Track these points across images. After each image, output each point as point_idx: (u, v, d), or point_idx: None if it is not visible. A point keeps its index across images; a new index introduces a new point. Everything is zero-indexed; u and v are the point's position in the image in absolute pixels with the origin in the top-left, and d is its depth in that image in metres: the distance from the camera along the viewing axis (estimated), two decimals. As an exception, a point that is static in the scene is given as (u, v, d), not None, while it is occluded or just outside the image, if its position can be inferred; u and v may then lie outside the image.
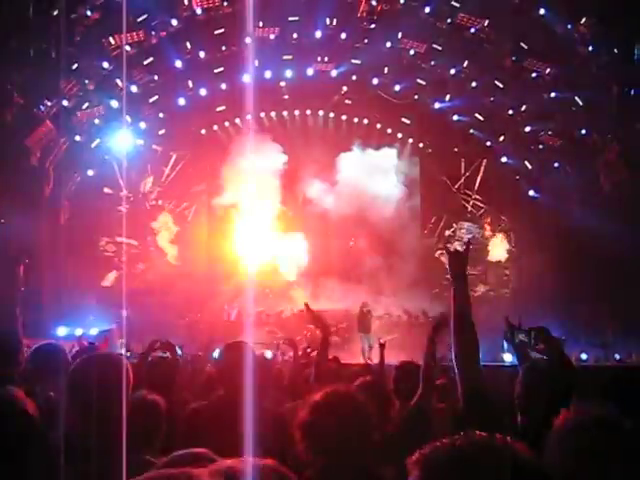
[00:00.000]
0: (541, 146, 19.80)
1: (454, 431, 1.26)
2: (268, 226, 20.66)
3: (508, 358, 12.53)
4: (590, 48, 16.55)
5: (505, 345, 11.35)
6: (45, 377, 3.49)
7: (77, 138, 18.49)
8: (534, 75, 18.04)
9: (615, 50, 16.15)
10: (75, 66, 17.15)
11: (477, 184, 21.44)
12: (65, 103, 17.56)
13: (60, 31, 16.12)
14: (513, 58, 17.94)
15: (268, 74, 19.12)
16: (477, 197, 21.53)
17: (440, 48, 18.16)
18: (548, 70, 17.61)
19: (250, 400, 2.88)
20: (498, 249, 21.24)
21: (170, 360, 4.94)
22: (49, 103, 17.40)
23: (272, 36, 18.12)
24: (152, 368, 4.60)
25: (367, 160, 20.93)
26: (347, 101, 20.67)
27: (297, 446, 2.37)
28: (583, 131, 18.29)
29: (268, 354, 12.41)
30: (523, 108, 19.02)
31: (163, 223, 21.11)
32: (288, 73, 19.38)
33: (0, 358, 3.89)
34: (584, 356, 14.83)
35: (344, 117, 21.17)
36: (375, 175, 20.76)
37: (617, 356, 14.70)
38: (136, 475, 1.92)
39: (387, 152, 21.32)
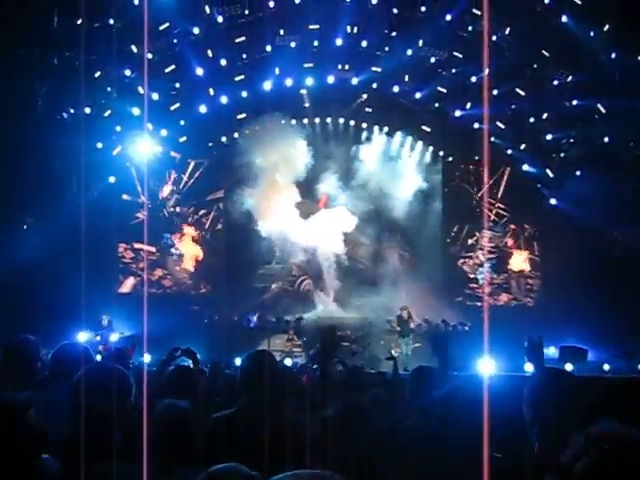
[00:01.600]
0: (562, 154, 19.67)
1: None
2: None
3: (530, 368, 12.36)
4: (613, 55, 16.43)
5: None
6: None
7: (99, 145, 18.66)
8: (556, 83, 17.95)
9: (638, 57, 16.00)
10: (98, 74, 17.34)
11: (500, 192, 21.32)
12: (87, 110, 17.74)
13: (83, 40, 16.35)
14: (534, 66, 17.87)
15: (289, 82, 19.18)
16: (500, 205, 21.39)
17: (461, 56, 18.12)
18: (570, 78, 17.51)
19: (272, 409, 2.89)
20: (521, 258, 21.09)
21: (192, 368, 4.93)
22: (72, 111, 17.61)
23: (293, 44, 18.18)
24: (175, 376, 4.59)
25: (388, 167, 20.88)
26: (367, 109, 20.63)
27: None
28: (606, 139, 18.15)
29: (288, 362, 12.41)
30: (544, 116, 18.92)
31: (187, 232, 21.23)
32: (309, 81, 19.40)
33: (16, 368, 3.88)
34: (606, 367, 14.66)
35: (364, 125, 21.10)
36: (396, 182, 20.71)
37: (640, 366, 14.49)
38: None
39: (408, 160, 21.26)
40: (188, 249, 21.20)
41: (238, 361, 6.21)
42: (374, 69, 18.93)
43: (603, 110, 17.54)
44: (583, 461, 1.80)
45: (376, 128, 21.03)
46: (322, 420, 2.31)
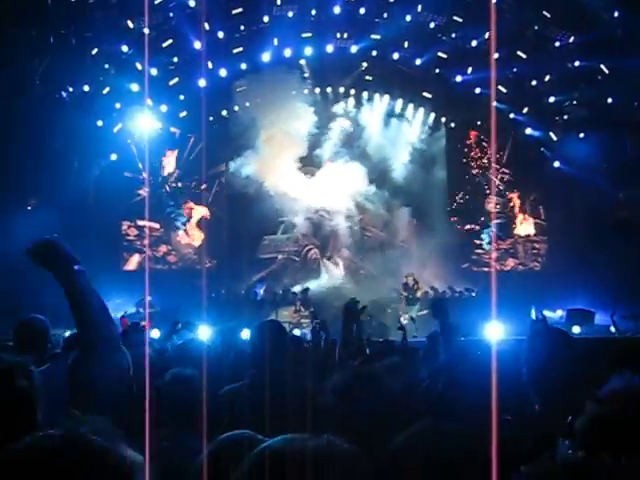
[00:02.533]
0: (566, 116, 19.50)
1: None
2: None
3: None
4: (615, 13, 16.19)
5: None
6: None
7: (99, 123, 18.58)
8: (557, 44, 17.74)
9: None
10: (95, 51, 17.20)
11: (505, 157, 21.19)
12: (86, 88, 17.64)
13: (78, 16, 16.23)
14: (535, 27, 17.65)
15: (288, 52, 19.02)
16: (505, 170, 21.26)
17: (461, 20, 17.90)
18: (572, 38, 17.30)
19: (284, 380, 2.89)
20: (527, 223, 21.02)
21: (197, 340, 4.95)
22: (70, 89, 17.50)
23: (290, 14, 17.99)
24: (179, 349, 4.60)
25: (390, 134, 20.81)
26: (368, 77, 20.43)
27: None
28: (609, 100, 17.97)
29: (297, 332, 12.44)
30: (547, 78, 18.72)
31: (192, 208, 21.23)
32: (308, 51, 19.22)
33: (28, 346, 3.91)
34: (613, 329, 14.65)
35: (365, 93, 20.92)
36: (399, 149, 20.64)
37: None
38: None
39: (410, 127, 21.14)
40: (196, 225, 21.21)
41: (246, 333, 6.27)
42: (373, 37, 18.74)
43: (606, 70, 17.32)
44: (595, 421, 1.78)
45: (377, 96, 20.84)
46: (333, 389, 2.28)
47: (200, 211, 21.20)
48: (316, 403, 2.60)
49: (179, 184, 21.33)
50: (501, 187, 21.27)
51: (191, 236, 21.12)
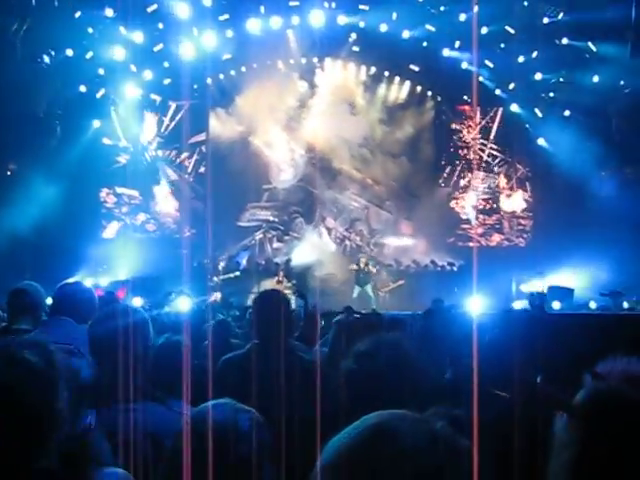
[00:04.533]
0: (552, 94, 19.52)
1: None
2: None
3: (518, 305, 12.67)
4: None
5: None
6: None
7: (82, 89, 18.31)
8: (546, 20, 17.70)
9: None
10: (78, 14, 16.87)
11: (493, 133, 21.22)
12: (69, 53, 17.34)
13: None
14: (525, 3, 17.58)
15: (275, 21, 18.82)
16: (493, 146, 21.30)
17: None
18: (561, 15, 17.26)
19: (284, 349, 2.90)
20: (514, 199, 21.11)
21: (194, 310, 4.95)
22: (53, 53, 17.20)
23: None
24: (175, 319, 4.59)
25: (376, 107, 20.69)
26: (355, 48, 20.24)
27: (340, 392, 2.34)
28: (595, 78, 18.00)
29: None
30: (534, 55, 18.68)
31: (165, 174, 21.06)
32: (295, 20, 19.02)
33: (22, 311, 3.89)
34: (593, 305, 14.87)
35: (352, 64, 20.74)
36: (385, 122, 20.56)
37: (626, 304, 14.71)
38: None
39: (396, 99, 21.05)
40: (170, 192, 21.08)
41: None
42: (361, 7, 18.57)
43: (594, 49, 17.32)
44: (596, 395, 1.78)
45: (363, 67, 20.66)
46: (358, 354, 2.27)
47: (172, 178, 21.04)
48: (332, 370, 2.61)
49: (159, 152, 21.10)
50: (489, 162, 21.35)
51: (166, 204, 20.95)
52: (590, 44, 17.33)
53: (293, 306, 9.98)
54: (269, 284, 17.51)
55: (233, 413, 1.66)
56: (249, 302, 15.40)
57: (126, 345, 2.34)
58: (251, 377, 2.63)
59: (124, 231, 20.45)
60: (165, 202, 20.97)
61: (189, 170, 21.20)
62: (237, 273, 18.05)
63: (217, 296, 15.98)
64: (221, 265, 18.19)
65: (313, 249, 19.26)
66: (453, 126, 21.48)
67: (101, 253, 18.21)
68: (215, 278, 17.08)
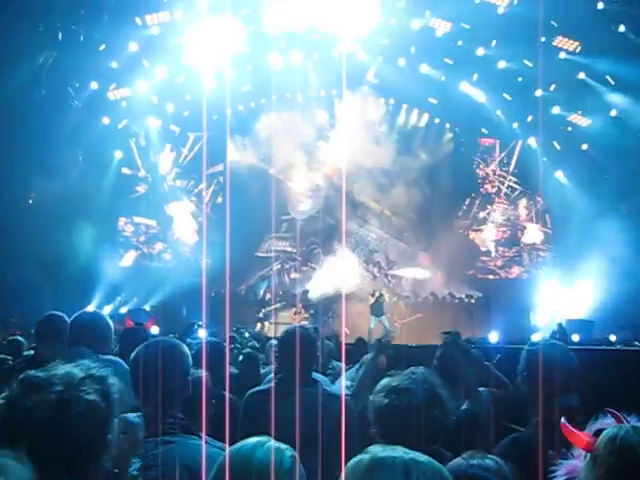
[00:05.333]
0: (570, 128, 19.56)
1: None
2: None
3: (536, 338, 12.58)
4: (622, 28, 16.25)
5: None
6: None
7: (106, 121, 18.65)
8: (564, 55, 17.78)
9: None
10: (102, 47, 17.19)
11: (512, 166, 21.27)
12: (94, 86, 17.68)
13: (87, 13, 16.25)
14: (542, 39, 17.64)
15: (294, 56, 19.10)
16: (512, 178, 21.34)
17: (468, 26, 17.93)
18: (579, 48, 17.32)
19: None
20: (533, 231, 21.05)
21: (217, 342, 4.97)
22: (77, 85, 17.53)
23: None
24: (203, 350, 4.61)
25: (396, 137, 20.81)
26: (374, 80, 20.41)
27: (368, 429, 2.36)
28: (613, 112, 18.03)
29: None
30: (552, 88, 18.75)
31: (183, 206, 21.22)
32: (315, 54, 19.32)
33: (49, 341, 3.96)
34: (613, 338, 14.72)
35: (371, 97, 20.85)
36: (404, 154, 20.62)
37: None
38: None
39: (415, 132, 21.15)
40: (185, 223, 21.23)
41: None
42: (381, 42, 18.78)
43: (612, 82, 17.35)
44: None
45: (382, 100, 20.79)
46: (388, 391, 2.28)
47: (189, 209, 21.21)
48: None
49: (177, 182, 21.31)
50: (509, 195, 21.36)
51: (183, 234, 21.09)
52: (609, 78, 17.33)
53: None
54: (287, 315, 17.57)
55: (276, 451, 1.69)
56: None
57: (169, 377, 2.40)
58: (275, 410, 2.66)
59: (141, 260, 20.59)
60: (182, 232, 21.10)
61: (206, 200, 21.37)
62: (283, 303, 18.26)
63: (266, 326, 16.18)
64: (267, 296, 18.22)
65: (331, 280, 19.29)
66: (472, 158, 21.53)
67: (118, 281, 18.38)
68: (263, 309, 17.22)
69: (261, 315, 17.41)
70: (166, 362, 2.42)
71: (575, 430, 1.68)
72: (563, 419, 1.75)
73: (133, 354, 2.54)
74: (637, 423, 1.64)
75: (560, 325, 14.14)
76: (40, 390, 1.66)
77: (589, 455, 1.60)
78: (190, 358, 2.57)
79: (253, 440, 1.73)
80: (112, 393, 1.76)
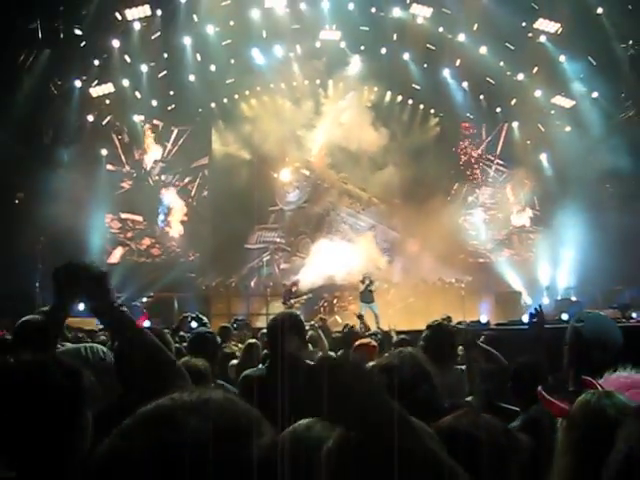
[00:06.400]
0: (553, 111, 19.66)
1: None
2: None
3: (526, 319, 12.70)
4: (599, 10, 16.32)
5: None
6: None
7: (90, 118, 18.63)
8: (543, 39, 17.84)
9: (629, 6, 15.80)
10: (83, 44, 17.10)
11: (499, 149, 21.39)
12: (78, 84, 17.62)
13: (67, 10, 16.14)
14: (522, 24, 17.69)
15: (277, 49, 19.16)
16: (499, 162, 21.44)
17: (449, 12, 17.96)
18: (560, 31, 17.37)
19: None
20: (522, 214, 21.22)
21: (209, 332, 5.03)
22: (59, 82, 17.44)
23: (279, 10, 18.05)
24: (195, 340, 4.68)
25: (381, 123, 20.66)
26: (356, 69, 20.37)
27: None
28: (595, 94, 18.15)
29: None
30: (534, 70, 18.84)
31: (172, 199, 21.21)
32: (297, 46, 19.43)
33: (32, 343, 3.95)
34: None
35: (355, 84, 20.77)
36: (391, 141, 20.57)
37: (634, 315, 14.75)
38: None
39: (400, 119, 21.19)
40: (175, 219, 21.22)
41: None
42: (362, 28, 18.80)
43: (594, 62, 17.42)
44: None
45: (366, 87, 20.73)
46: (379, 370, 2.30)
47: (178, 204, 21.20)
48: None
49: (162, 177, 21.27)
50: (496, 178, 21.51)
51: (170, 229, 21.07)
52: (590, 58, 17.40)
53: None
54: (278, 305, 17.59)
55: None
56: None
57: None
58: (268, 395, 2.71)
59: (129, 256, 20.54)
60: (169, 226, 21.07)
61: (192, 194, 21.35)
62: (309, 295, 18.23)
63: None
64: (294, 288, 18.13)
65: (320, 269, 19.29)
66: (458, 143, 21.69)
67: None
68: (292, 301, 17.20)
69: (288, 305, 17.37)
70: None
71: (551, 398, 1.74)
72: (540, 388, 1.82)
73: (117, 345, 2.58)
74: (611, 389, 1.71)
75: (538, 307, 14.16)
76: None
77: (565, 420, 1.68)
78: (172, 345, 2.60)
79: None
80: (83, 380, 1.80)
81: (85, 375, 1.83)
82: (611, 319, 3.04)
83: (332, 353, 6.44)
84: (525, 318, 12.95)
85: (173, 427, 0.99)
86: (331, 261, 18.88)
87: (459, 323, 13.80)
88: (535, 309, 4.39)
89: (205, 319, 6.36)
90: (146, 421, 1.03)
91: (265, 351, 5.12)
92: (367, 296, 17.17)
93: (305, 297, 17.98)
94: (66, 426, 1.71)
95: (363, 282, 17.37)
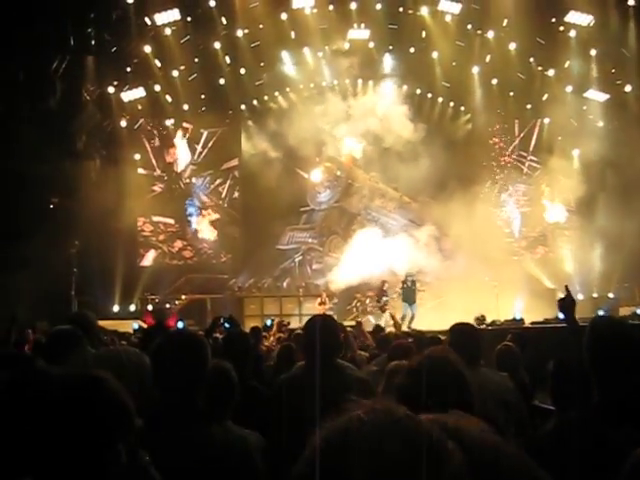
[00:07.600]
0: (585, 107, 19.41)
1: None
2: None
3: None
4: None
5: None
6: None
7: (122, 123, 18.86)
8: (574, 33, 17.62)
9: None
10: (114, 49, 17.32)
11: (532, 145, 21.13)
12: (110, 89, 17.84)
13: (98, 16, 16.35)
14: (552, 20, 17.49)
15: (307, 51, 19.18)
16: (532, 158, 21.19)
17: (477, 7, 17.82)
18: (592, 23, 17.12)
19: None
20: (557, 210, 20.94)
21: (243, 333, 5.03)
22: (91, 88, 17.66)
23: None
24: (227, 342, 4.68)
25: (412, 121, 20.44)
26: (386, 68, 20.36)
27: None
28: (628, 87, 17.87)
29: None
30: (566, 65, 18.61)
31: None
32: (326, 49, 19.44)
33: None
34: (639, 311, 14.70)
35: (385, 84, 20.71)
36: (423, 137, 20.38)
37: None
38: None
39: (431, 116, 21.07)
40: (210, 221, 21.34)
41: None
42: (391, 27, 18.75)
43: (627, 54, 17.13)
44: None
45: (396, 86, 20.62)
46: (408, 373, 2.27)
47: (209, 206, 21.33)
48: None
49: (193, 180, 21.40)
50: (529, 175, 21.31)
51: (202, 231, 21.19)
52: (624, 50, 17.12)
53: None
54: (310, 306, 17.60)
55: None
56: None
57: (191, 368, 2.46)
58: (303, 394, 2.71)
59: (161, 259, 20.73)
60: (201, 229, 21.21)
61: (223, 195, 21.46)
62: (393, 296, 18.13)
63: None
64: (385, 286, 18.00)
65: (353, 270, 19.20)
66: (491, 139, 21.47)
67: (139, 281, 18.62)
68: (384, 298, 17.22)
69: (381, 306, 17.31)
70: (185, 351, 2.49)
71: None
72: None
73: (154, 345, 2.60)
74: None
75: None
76: None
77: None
78: (209, 349, 2.61)
79: None
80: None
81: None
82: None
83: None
84: (561, 315, 12.83)
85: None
86: (364, 261, 18.77)
87: (493, 322, 13.76)
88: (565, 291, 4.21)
89: (237, 321, 6.39)
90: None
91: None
92: (409, 296, 16.90)
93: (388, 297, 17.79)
94: (106, 444, 1.74)
95: (405, 281, 17.11)
